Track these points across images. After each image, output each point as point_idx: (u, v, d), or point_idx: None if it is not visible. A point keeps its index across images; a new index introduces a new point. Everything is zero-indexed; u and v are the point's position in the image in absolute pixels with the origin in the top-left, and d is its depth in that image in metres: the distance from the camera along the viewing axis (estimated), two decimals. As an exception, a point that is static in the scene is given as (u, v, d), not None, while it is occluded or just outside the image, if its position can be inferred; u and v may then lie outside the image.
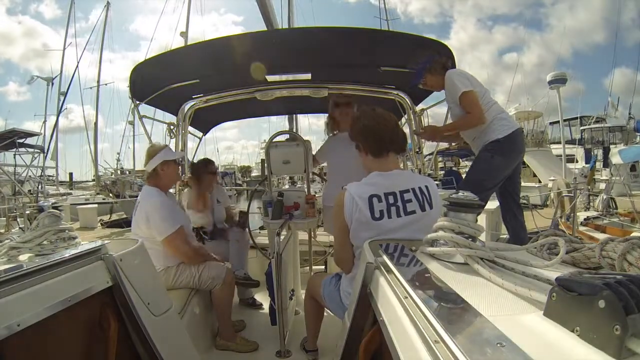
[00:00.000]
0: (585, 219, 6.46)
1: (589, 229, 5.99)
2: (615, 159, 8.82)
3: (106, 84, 22.54)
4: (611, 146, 12.93)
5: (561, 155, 13.18)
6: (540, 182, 13.88)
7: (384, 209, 1.34)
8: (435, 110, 2.98)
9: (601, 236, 5.45)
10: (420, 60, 2.29)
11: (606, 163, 10.94)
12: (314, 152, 2.86)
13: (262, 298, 2.90)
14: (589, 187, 7.59)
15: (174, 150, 2.30)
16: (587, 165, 10.93)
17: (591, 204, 7.78)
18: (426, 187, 1.43)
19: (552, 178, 11.03)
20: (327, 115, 2.89)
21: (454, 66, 2.30)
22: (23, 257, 1.37)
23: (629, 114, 14.64)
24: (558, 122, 17.70)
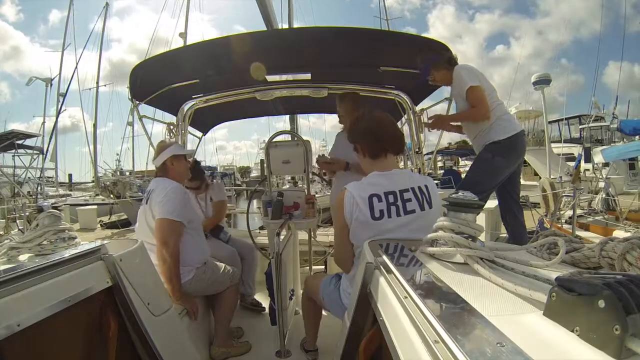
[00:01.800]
0: (569, 217, 6.51)
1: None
2: (598, 158, 8.86)
3: (105, 85, 22.51)
4: (612, 144, 12.94)
5: (561, 154, 13.18)
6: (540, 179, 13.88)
7: (384, 209, 1.34)
8: (435, 110, 2.99)
9: (585, 234, 5.51)
10: (426, 57, 2.30)
11: (587, 159, 10.99)
12: (314, 152, 2.86)
13: (262, 298, 2.89)
14: (575, 185, 7.64)
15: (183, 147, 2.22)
16: (571, 164, 10.96)
17: (577, 202, 7.80)
18: (425, 186, 1.43)
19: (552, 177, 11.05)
20: (329, 114, 2.90)
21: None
22: (23, 257, 1.37)
23: (613, 114, 14.59)
24: (556, 121, 17.72)
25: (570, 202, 7.52)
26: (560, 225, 6.12)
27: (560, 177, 8.16)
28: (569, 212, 6.89)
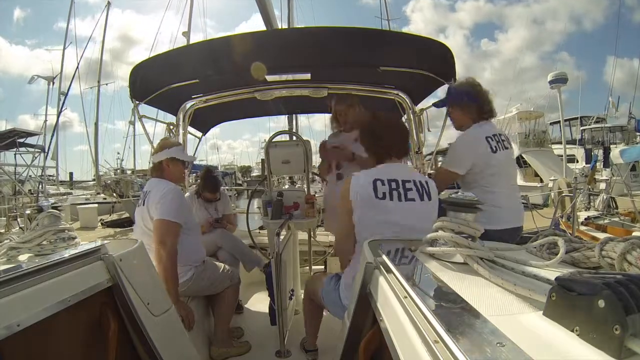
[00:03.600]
0: (586, 219, 6.48)
1: (589, 228, 6.01)
2: (617, 159, 8.86)
3: (107, 84, 22.54)
4: (612, 146, 12.92)
5: (561, 156, 13.18)
6: (542, 181, 13.89)
7: (386, 192, 1.44)
8: (434, 110, 2.98)
9: (602, 236, 5.46)
10: (454, 92, 2.12)
11: (607, 163, 10.95)
12: (314, 152, 2.86)
13: (262, 298, 2.89)
14: (590, 187, 7.61)
15: (184, 152, 2.19)
16: (587, 165, 10.93)
17: (591, 203, 7.80)
18: (426, 182, 1.54)
19: (552, 178, 11.03)
20: (326, 114, 2.89)
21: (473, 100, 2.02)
22: (23, 257, 1.37)
23: (630, 113, 14.57)
24: (556, 122, 17.71)
25: (585, 203, 7.52)
26: (576, 226, 6.07)
27: (576, 178, 8.15)
28: (585, 214, 6.89)
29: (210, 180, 2.97)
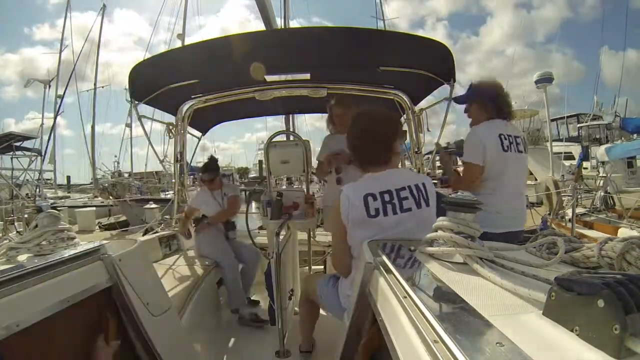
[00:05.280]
0: None
1: (577, 225, 6.06)
2: (603, 156, 8.93)
3: (102, 87, 22.53)
4: (614, 143, 12.95)
5: (558, 153, 13.23)
6: (536, 179, 13.92)
7: (379, 207, 1.34)
8: (433, 110, 2.99)
9: (589, 232, 5.51)
10: (476, 90, 2.07)
11: (586, 158, 11.02)
12: (313, 152, 2.86)
13: (262, 298, 2.89)
14: (576, 184, 7.67)
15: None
16: (574, 163, 11.02)
17: (579, 200, 7.83)
18: (423, 184, 1.43)
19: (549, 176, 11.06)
20: (316, 114, 2.89)
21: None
22: (22, 258, 1.36)
23: (615, 112, 14.54)
24: (554, 120, 17.71)
25: (572, 201, 7.57)
26: (564, 224, 6.10)
27: (563, 175, 8.18)
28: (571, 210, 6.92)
29: (207, 163, 3.07)
